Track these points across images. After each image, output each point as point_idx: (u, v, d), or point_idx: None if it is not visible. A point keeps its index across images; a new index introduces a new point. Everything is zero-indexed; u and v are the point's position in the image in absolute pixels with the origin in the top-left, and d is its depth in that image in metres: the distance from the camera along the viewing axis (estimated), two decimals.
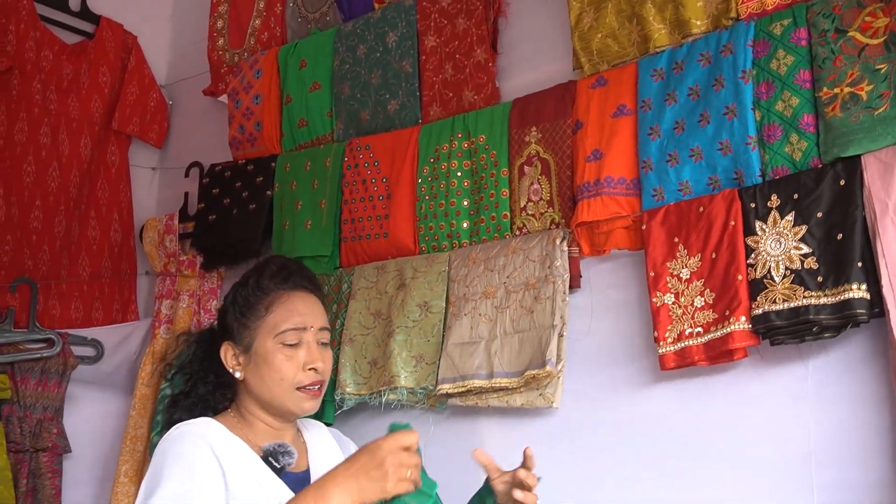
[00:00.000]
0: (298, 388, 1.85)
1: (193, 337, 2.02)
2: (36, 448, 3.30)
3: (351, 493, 1.55)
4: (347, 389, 2.82)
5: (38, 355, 3.35)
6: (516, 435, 2.60)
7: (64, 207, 3.63)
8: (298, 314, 1.87)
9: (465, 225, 2.78)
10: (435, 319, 2.74)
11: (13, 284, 3.40)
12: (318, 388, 1.89)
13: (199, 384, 1.95)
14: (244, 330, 1.88)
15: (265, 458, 1.80)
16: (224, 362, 1.90)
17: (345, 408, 2.84)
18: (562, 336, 2.47)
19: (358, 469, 1.58)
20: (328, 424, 2.88)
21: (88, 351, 3.55)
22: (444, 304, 2.74)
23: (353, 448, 2.05)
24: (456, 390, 2.60)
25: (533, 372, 2.45)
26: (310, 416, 2.90)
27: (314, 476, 1.86)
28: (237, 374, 1.89)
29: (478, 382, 2.56)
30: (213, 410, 1.92)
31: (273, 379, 1.84)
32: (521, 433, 2.59)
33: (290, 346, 1.85)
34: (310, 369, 1.86)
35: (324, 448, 1.98)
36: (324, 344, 1.92)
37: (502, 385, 2.52)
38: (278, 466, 1.79)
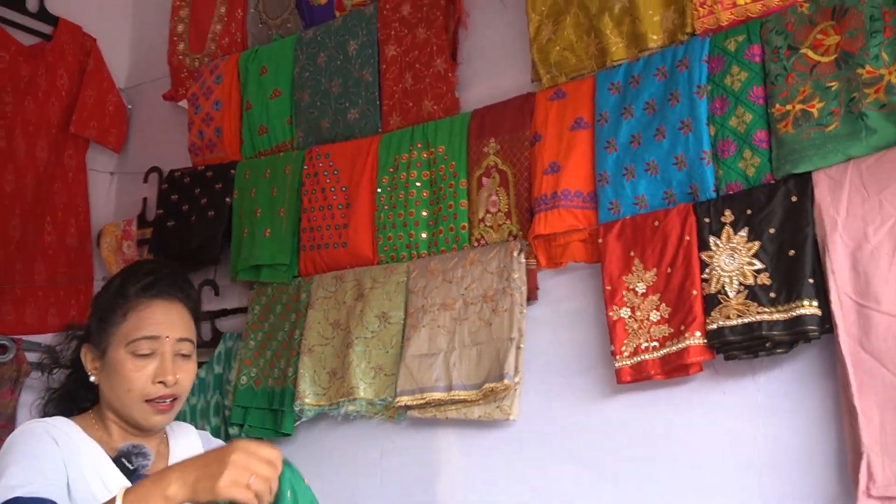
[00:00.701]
0: (147, 401, 1.76)
1: (74, 332, 1.93)
2: None
3: (187, 483, 1.43)
4: (306, 400, 2.81)
5: None
6: (474, 446, 2.61)
7: (19, 211, 3.58)
8: (153, 323, 1.78)
9: (423, 235, 2.78)
10: (394, 330, 2.73)
11: None
12: (170, 402, 1.79)
13: (69, 380, 1.90)
14: (101, 334, 1.80)
15: (117, 459, 1.75)
16: (84, 364, 1.83)
17: (304, 419, 2.83)
18: (519, 348, 2.48)
19: (202, 461, 1.47)
20: (286, 435, 2.88)
21: (43, 357, 3.50)
22: (402, 315, 2.74)
23: None
24: (415, 402, 2.60)
25: (491, 385, 2.46)
26: (267, 427, 2.90)
27: None
28: (92, 378, 1.82)
29: (436, 395, 2.56)
30: (78, 408, 1.87)
31: (121, 388, 1.76)
32: (478, 445, 2.61)
33: (143, 356, 1.76)
34: (159, 382, 1.76)
35: (187, 452, 1.89)
36: (184, 356, 1.81)
37: (461, 398, 2.53)
38: (132, 468, 1.73)
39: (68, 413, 1.83)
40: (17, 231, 3.56)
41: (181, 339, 1.80)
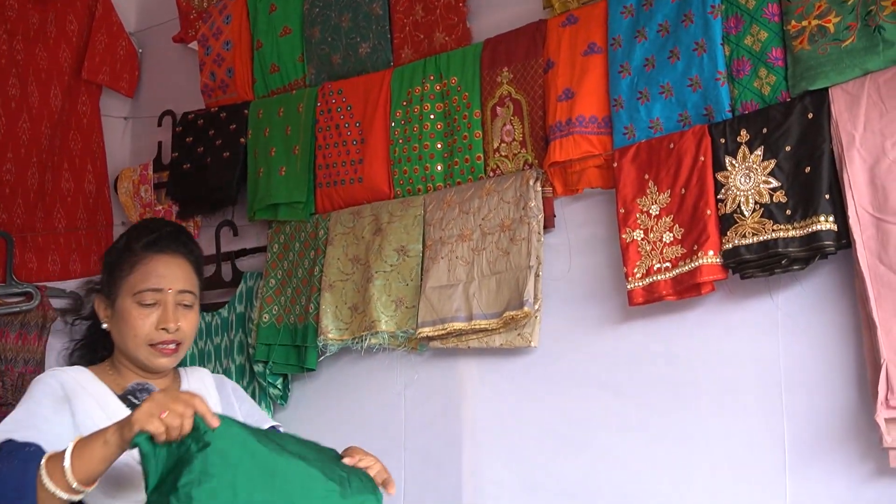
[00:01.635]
0: (151, 345, 1.93)
1: (93, 285, 2.10)
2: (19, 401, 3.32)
3: (119, 425, 1.60)
4: (329, 335, 2.84)
5: (17, 309, 3.36)
6: (496, 374, 2.65)
7: (36, 159, 3.60)
8: (157, 276, 1.94)
9: (439, 168, 2.78)
10: (412, 263, 2.75)
11: None
12: (174, 347, 1.95)
13: (88, 331, 2.09)
14: (112, 286, 1.96)
15: (123, 397, 1.90)
16: (98, 313, 2.00)
17: (327, 353, 2.87)
18: (538, 276, 2.50)
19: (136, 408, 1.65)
20: (310, 370, 2.92)
21: (67, 303, 3.55)
22: (420, 248, 2.75)
23: (237, 392, 2.14)
24: (436, 333, 2.63)
25: (511, 313, 2.48)
26: (291, 363, 2.95)
27: None
28: (104, 326, 1.99)
29: (457, 325, 2.59)
30: (97, 356, 2.05)
31: (129, 334, 1.92)
32: (500, 373, 2.64)
33: (147, 305, 1.92)
34: (162, 329, 1.92)
35: (197, 391, 1.96)
36: (185, 306, 1.97)
37: (481, 327, 2.55)
38: (137, 403, 1.84)
39: (87, 362, 2.01)
40: (35, 179, 3.59)
41: (182, 291, 1.96)
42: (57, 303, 3.50)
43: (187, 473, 1.55)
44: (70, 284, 3.58)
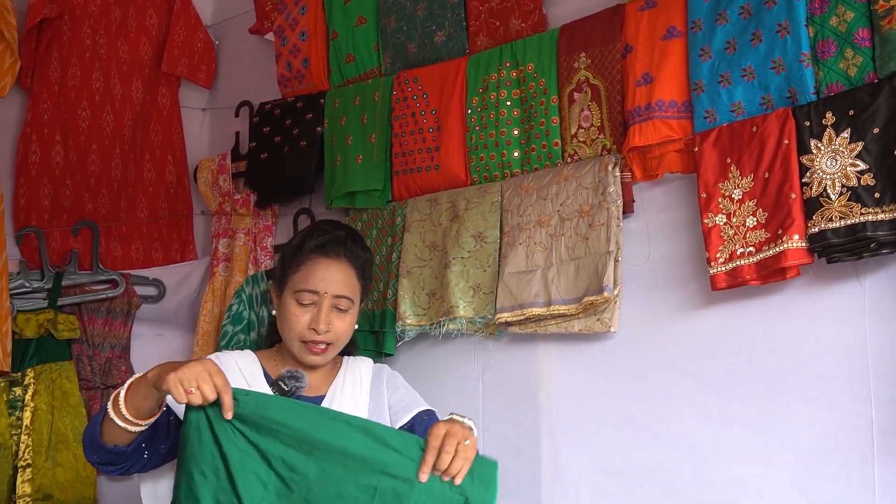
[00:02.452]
0: (303, 342, 2.05)
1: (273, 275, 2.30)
2: (106, 385, 3.44)
3: (162, 370, 1.70)
4: (407, 321, 2.88)
5: (104, 296, 3.47)
6: (575, 360, 2.65)
7: (119, 150, 3.70)
8: (316, 279, 2.06)
9: (515, 154, 2.79)
10: (490, 249, 2.77)
11: (76, 227, 3.50)
12: (324, 347, 2.06)
13: (271, 316, 2.23)
14: (281, 280, 2.12)
15: (274, 382, 2.03)
16: (272, 301, 2.17)
17: (406, 339, 2.91)
18: (617, 261, 2.50)
19: (185, 361, 1.73)
20: (388, 355, 2.96)
21: (150, 291, 3.66)
22: (498, 234, 2.77)
23: (392, 382, 2.22)
24: (515, 318, 2.65)
25: (591, 298, 2.48)
26: (369, 348, 2.98)
27: (327, 402, 2.09)
28: (273, 313, 2.15)
29: (536, 310, 2.60)
30: (271, 341, 2.22)
31: (286, 327, 2.07)
32: (579, 358, 2.64)
33: (304, 304, 2.05)
34: (312, 329, 2.04)
35: (351, 380, 2.16)
36: (340, 310, 2.07)
37: (560, 312, 2.56)
38: (286, 389, 2.00)
39: (268, 345, 2.22)
40: (119, 170, 3.69)
41: (338, 296, 2.08)
42: (140, 290, 3.60)
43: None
44: (153, 272, 3.68)
